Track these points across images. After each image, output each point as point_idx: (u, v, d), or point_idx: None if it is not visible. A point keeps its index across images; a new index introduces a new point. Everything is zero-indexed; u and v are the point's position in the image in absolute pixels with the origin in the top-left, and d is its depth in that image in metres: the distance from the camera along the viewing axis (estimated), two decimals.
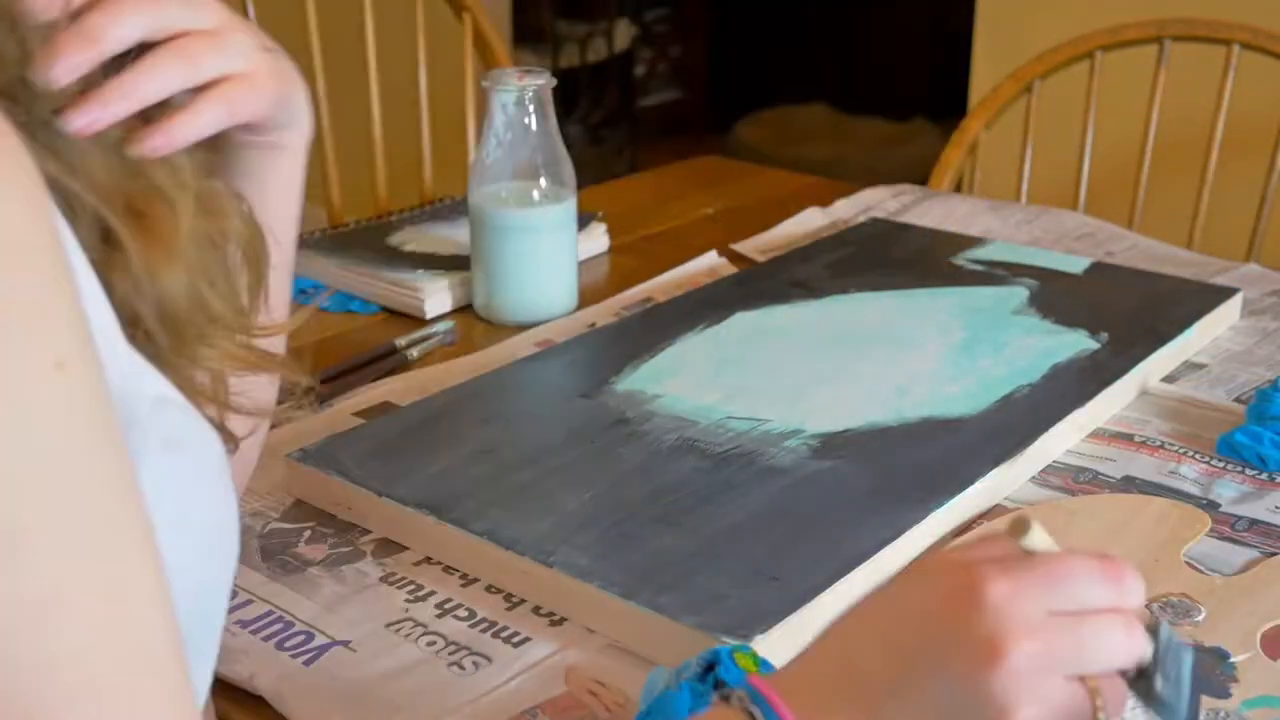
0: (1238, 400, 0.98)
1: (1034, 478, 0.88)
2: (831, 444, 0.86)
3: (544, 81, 1.10)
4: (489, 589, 0.76)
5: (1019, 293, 1.11)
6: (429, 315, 1.15)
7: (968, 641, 0.48)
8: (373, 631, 0.72)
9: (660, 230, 1.39)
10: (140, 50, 0.53)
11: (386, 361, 1.05)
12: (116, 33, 0.51)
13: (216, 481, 0.50)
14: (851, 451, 0.85)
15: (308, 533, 0.81)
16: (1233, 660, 0.69)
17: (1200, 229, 1.52)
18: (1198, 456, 0.90)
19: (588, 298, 1.18)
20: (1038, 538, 0.51)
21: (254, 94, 0.58)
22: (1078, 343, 1.01)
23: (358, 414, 0.96)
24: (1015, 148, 1.62)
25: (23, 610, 0.37)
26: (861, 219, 1.37)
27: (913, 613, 0.51)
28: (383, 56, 1.68)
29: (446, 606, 0.74)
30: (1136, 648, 0.50)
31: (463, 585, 0.76)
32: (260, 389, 0.62)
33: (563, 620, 0.73)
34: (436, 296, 1.15)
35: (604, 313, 1.15)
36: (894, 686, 0.49)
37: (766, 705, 0.50)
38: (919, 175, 1.76)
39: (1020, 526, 0.51)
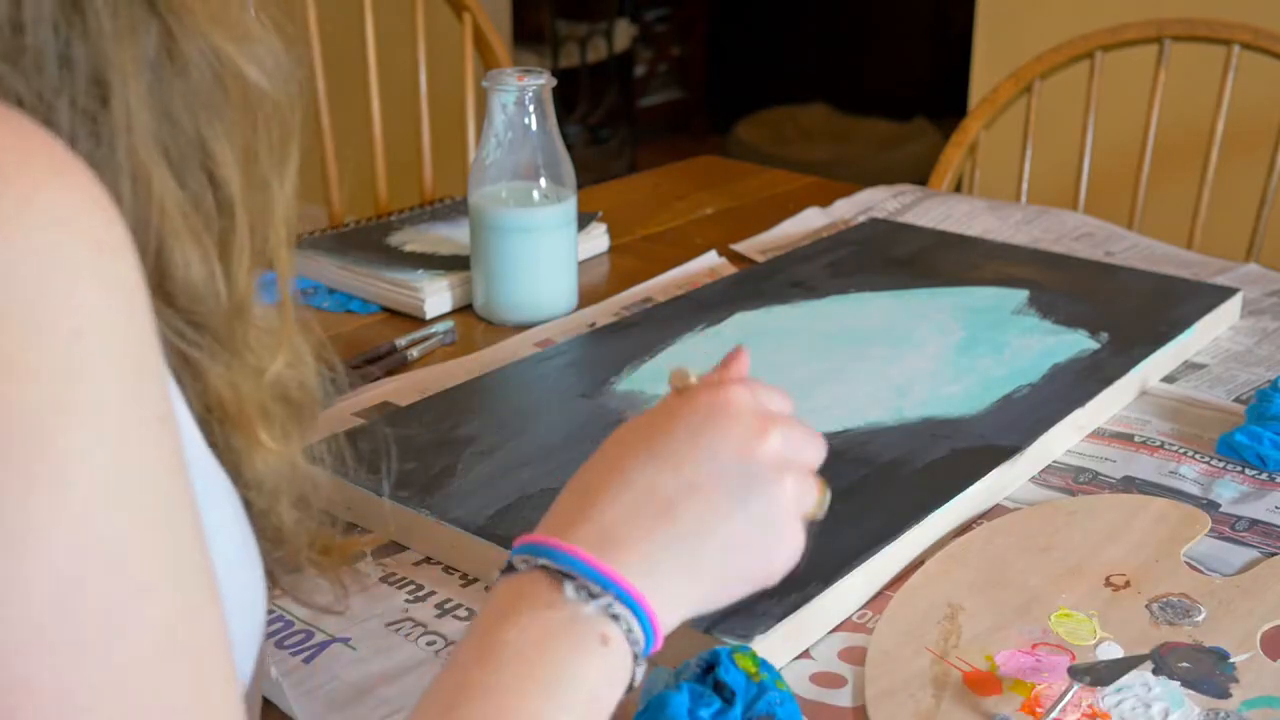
0: (1238, 400, 0.98)
1: (1034, 478, 0.88)
2: (831, 444, 0.86)
3: (544, 81, 1.10)
4: (489, 589, 0.75)
5: (1019, 293, 1.11)
6: (429, 315, 1.15)
7: (733, 432, 0.59)
8: (373, 631, 0.72)
9: (660, 230, 1.39)
10: None
11: (386, 361, 1.05)
12: None
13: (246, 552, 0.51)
14: (851, 452, 0.85)
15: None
16: (1233, 660, 0.69)
17: (1200, 229, 1.52)
18: (1198, 456, 0.90)
19: (588, 298, 1.18)
20: (694, 377, 0.63)
21: None
22: (1078, 343, 1.01)
23: (357, 414, 0.96)
24: (1015, 148, 1.62)
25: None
26: (861, 219, 1.37)
27: (696, 440, 0.59)
28: (383, 56, 1.68)
29: (446, 606, 0.74)
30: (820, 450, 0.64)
31: (463, 585, 0.76)
32: None
33: None
34: (436, 296, 1.15)
35: (604, 313, 1.15)
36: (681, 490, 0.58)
37: (581, 563, 0.54)
38: (919, 175, 1.76)
39: (682, 377, 0.62)
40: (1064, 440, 0.91)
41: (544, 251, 1.12)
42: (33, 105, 0.41)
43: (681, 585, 0.56)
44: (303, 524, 0.53)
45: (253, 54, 0.47)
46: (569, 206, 1.12)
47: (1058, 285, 1.13)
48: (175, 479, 0.40)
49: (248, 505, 0.51)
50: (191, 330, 0.46)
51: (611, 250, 1.32)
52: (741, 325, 1.06)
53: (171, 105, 0.44)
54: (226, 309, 0.47)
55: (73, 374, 0.36)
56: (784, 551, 0.60)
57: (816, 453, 0.63)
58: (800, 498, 0.61)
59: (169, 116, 0.44)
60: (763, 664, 0.62)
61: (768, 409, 0.62)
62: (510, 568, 0.55)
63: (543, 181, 1.12)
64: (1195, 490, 0.86)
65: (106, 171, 0.42)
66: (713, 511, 0.58)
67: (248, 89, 0.46)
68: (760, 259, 1.28)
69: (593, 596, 0.53)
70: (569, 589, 0.53)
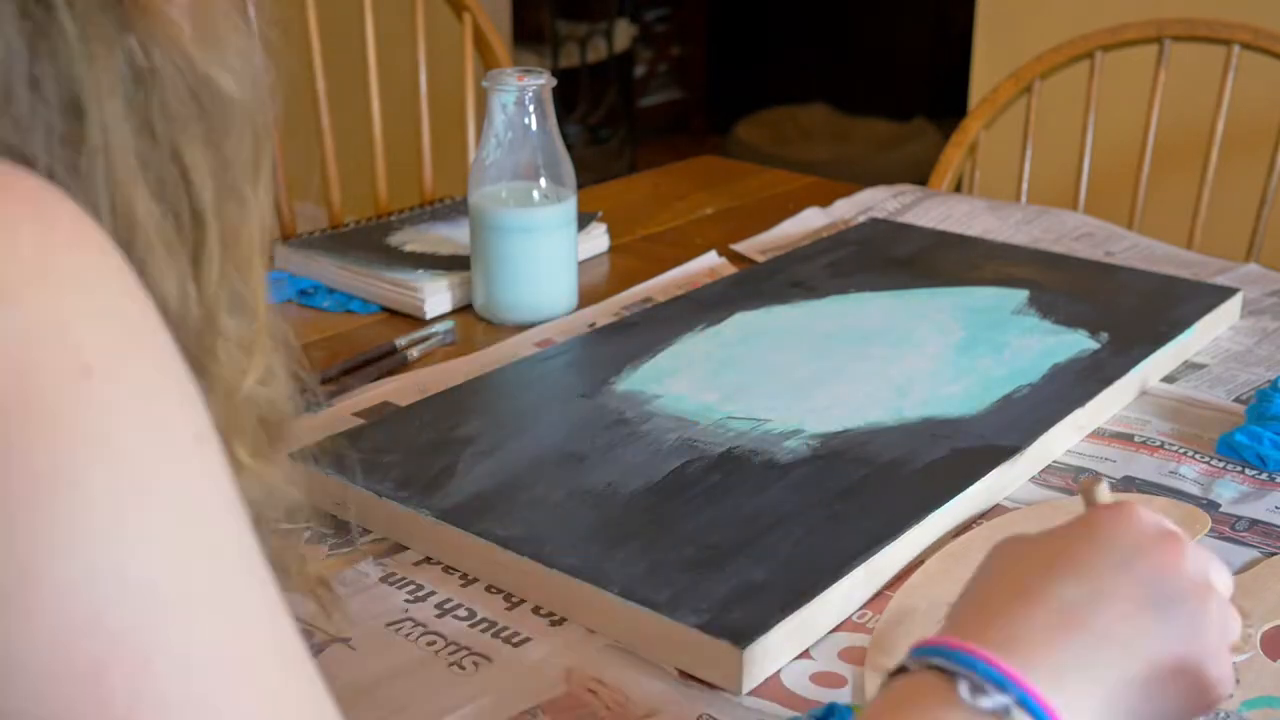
0: (1238, 400, 0.98)
1: (1034, 478, 0.88)
2: (831, 444, 0.86)
3: (544, 81, 1.10)
4: (489, 589, 0.76)
5: (1019, 293, 1.11)
6: (429, 315, 1.15)
7: (1145, 544, 0.54)
8: (373, 631, 0.72)
9: (660, 230, 1.39)
10: None
11: (386, 361, 1.05)
12: None
13: None
14: (851, 452, 0.85)
15: (307, 533, 0.81)
16: (1233, 660, 0.69)
17: (1200, 229, 1.52)
18: (1198, 456, 0.90)
19: (588, 298, 1.18)
20: (1105, 494, 0.59)
21: None
22: (1078, 343, 1.01)
23: (358, 414, 0.96)
24: (1015, 148, 1.62)
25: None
26: (861, 219, 1.37)
27: (1104, 551, 0.54)
28: (383, 56, 1.68)
29: (446, 606, 0.74)
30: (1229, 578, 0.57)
31: (463, 585, 0.76)
32: None
33: (563, 620, 0.73)
34: (436, 296, 1.15)
35: (604, 313, 1.15)
36: (1103, 620, 0.51)
37: (979, 662, 0.49)
38: (919, 175, 1.76)
39: (1090, 487, 0.59)
40: (1064, 440, 0.91)
41: (544, 251, 1.12)
42: (5, 137, 0.40)
43: (1095, 702, 0.50)
44: (289, 546, 0.53)
45: (225, 61, 0.45)
46: (569, 206, 1.12)
47: (1058, 285, 1.13)
48: (214, 492, 0.40)
49: None
50: None
51: (611, 250, 1.32)
52: (741, 325, 1.06)
53: (148, 119, 0.43)
54: (198, 325, 0.45)
55: (87, 409, 0.36)
56: (1217, 686, 0.53)
57: (1229, 580, 0.57)
58: (1225, 624, 0.54)
59: (145, 131, 0.43)
60: None
61: (1176, 530, 0.56)
62: (901, 670, 0.51)
63: (543, 181, 1.12)
64: (1195, 490, 0.86)
65: (86, 194, 0.41)
66: (1128, 623, 0.51)
67: (221, 98, 0.45)
68: (760, 259, 1.28)
69: (989, 696, 0.48)
70: (963, 688, 0.48)
